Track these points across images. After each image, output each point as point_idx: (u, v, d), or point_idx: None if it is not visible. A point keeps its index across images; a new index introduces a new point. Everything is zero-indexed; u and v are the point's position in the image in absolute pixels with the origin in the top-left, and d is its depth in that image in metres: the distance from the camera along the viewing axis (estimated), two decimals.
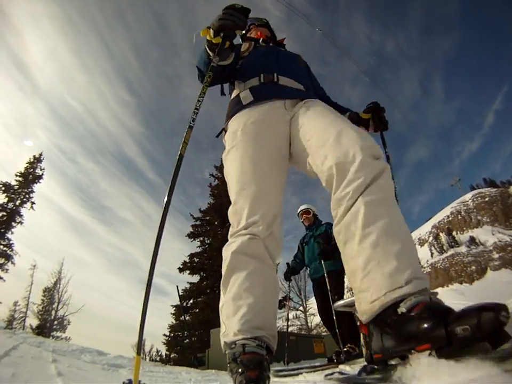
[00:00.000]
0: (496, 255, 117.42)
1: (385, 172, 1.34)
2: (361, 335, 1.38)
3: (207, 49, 1.90)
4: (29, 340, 4.67)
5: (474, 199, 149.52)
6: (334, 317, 4.81)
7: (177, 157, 1.70)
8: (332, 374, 2.66)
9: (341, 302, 4.17)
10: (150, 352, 30.31)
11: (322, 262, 5.23)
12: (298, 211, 6.11)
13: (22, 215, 23.17)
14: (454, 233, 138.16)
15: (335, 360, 4.51)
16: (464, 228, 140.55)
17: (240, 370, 1.15)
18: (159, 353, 30.01)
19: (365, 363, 1.39)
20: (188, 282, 17.12)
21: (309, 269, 5.77)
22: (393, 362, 1.10)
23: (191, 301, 16.36)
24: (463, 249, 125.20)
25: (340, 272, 5.22)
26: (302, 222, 6.06)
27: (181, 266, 16.98)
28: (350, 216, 1.29)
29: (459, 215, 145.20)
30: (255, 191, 1.68)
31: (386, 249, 1.15)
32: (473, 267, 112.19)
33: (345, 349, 4.58)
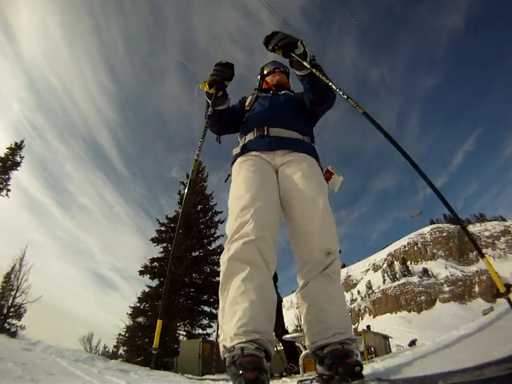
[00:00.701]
0: (446, 288, 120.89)
1: (332, 264, 1.88)
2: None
3: (206, 97, 2.35)
4: (39, 345, 4.79)
5: (433, 233, 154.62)
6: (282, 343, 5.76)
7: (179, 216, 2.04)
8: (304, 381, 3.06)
9: (288, 336, 5.27)
10: (97, 347, 29.77)
11: None
12: None
13: None
14: (408, 263, 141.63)
15: (278, 374, 5.54)
16: (419, 259, 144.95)
17: (239, 372, 1.24)
18: (107, 349, 29.39)
19: (316, 375, 1.95)
20: (147, 285, 17.08)
21: None
22: (324, 376, 1.68)
23: (148, 304, 16.40)
24: (415, 279, 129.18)
25: (279, 304, 6.07)
26: None
27: (142, 269, 17.12)
28: (305, 290, 1.88)
29: (415, 246, 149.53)
30: (249, 198, 1.92)
31: (322, 315, 1.74)
32: (423, 297, 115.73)
33: (287, 367, 5.60)
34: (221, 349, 1.49)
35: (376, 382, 1.28)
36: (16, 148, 24.24)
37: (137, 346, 14.88)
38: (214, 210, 20.13)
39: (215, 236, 19.24)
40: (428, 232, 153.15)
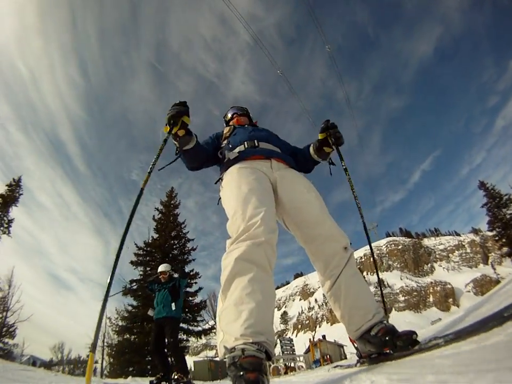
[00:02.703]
0: (401, 298, 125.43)
1: (351, 256, 2.09)
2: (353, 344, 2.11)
3: (172, 140, 2.39)
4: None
5: (388, 245, 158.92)
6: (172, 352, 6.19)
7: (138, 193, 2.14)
8: (335, 366, 3.27)
9: (284, 356, 7.65)
10: (68, 355, 29.30)
11: (173, 304, 6.21)
12: (159, 270, 6.83)
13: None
14: (364, 273, 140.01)
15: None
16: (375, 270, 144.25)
17: (239, 373, 1.25)
18: (80, 358, 28.96)
19: (357, 358, 2.18)
20: (129, 304, 18.73)
21: (155, 309, 6.46)
22: (374, 355, 1.92)
23: (134, 323, 17.78)
24: (371, 289, 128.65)
25: (177, 320, 6.41)
26: (160, 278, 6.76)
27: (123, 290, 17.83)
28: (336, 285, 2.02)
29: (371, 258, 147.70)
30: (256, 201, 2.00)
31: (359, 302, 1.95)
32: None
33: (176, 377, 5.80)
34: (221, 349, 1.50)
35: (434, 340, 1.54)
36: (15, 185, 24.96)
37: (128, 360, 16.13)
38: (186, 238, 21.48)
39: (187, 260, 20.63)
40: (384, 245, 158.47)
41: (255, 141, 2.58)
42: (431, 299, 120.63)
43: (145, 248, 20.71)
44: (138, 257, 20.40)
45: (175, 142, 2.40)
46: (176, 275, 7.05)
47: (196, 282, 19.95)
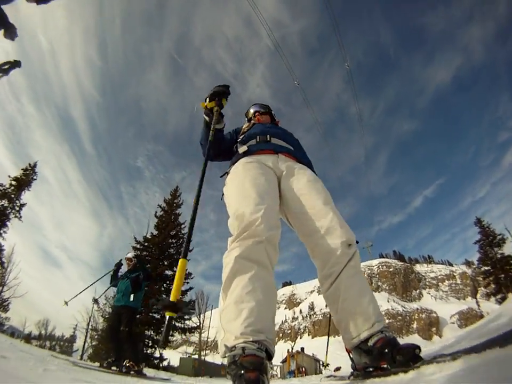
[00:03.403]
0: (386, 321, 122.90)
1: (355, 255, 1.91)
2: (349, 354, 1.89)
3: (204, 115, 2.49)
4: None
5: (380, 266, 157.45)
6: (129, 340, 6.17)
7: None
8: (328, 376, 2.98)
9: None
10: (52, 332, 30.67)
11: (132, 295, 6.37)
12: (125, 256, 7.12)
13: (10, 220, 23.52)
14: None
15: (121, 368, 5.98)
16: None
17: (240, 372, 1.23)
18: (63, 337, 29.43)
19: (351, 370, 1.96)
20: None
21: (116, 297, 6.76)
22: (369, 369, 1.69)
23: None
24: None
25: (134, 310, 6.54)
26: (127, 265, 7.00)
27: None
28: (335, 285, 1.85)
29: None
30: (258, 198, 1.95)
31: (359, 307, 1.73)
32: None
33: (127, 364, 5.84)
34: (221, 348, 1.48)
35: (440, 358, 1.29)
36: (31, 170, 25.62)
37: (107, 348, 15.78)
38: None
39: None
40: (376, 265, 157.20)
41: (268, 135, 2.59)
42: (414, 325, 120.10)
43: (143, 243, 20.96)
44: (136, 251, 20.19)
45: (206, 117, 2.51)
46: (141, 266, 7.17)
47: (187, 282, 20.27)
